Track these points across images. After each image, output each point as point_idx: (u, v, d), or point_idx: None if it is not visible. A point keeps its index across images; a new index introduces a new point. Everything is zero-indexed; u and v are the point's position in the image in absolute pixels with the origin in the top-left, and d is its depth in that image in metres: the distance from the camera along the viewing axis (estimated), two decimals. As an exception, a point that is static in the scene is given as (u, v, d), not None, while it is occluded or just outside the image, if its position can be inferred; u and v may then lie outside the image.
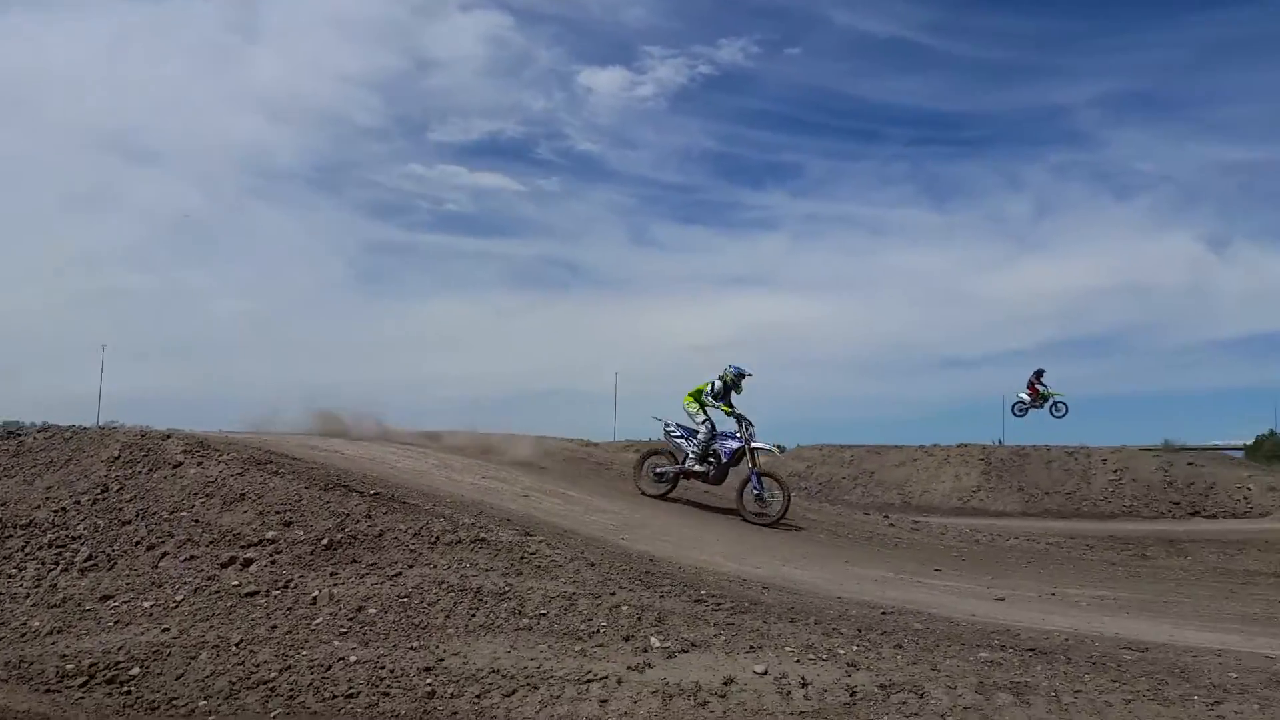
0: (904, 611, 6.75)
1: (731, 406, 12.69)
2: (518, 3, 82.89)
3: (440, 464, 11.88)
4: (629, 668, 4.88)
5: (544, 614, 5.60)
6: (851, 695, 4.63)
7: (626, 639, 5.32)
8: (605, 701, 4.49)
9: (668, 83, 73.17)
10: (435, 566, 6.29)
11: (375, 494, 7.62)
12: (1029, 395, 25.28)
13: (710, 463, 12.51)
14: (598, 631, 5.42)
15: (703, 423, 12.65)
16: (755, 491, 12.09)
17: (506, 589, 5.91)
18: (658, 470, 12.91)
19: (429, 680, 4.66)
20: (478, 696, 4.52)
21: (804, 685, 4.71)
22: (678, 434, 12.86)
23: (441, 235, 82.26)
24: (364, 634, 5.23)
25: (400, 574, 6.09)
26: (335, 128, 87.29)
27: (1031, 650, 5.59)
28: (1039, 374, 25.25)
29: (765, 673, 4.86)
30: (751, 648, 5.28)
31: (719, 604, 6.18)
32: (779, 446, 12.71)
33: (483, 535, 6.96)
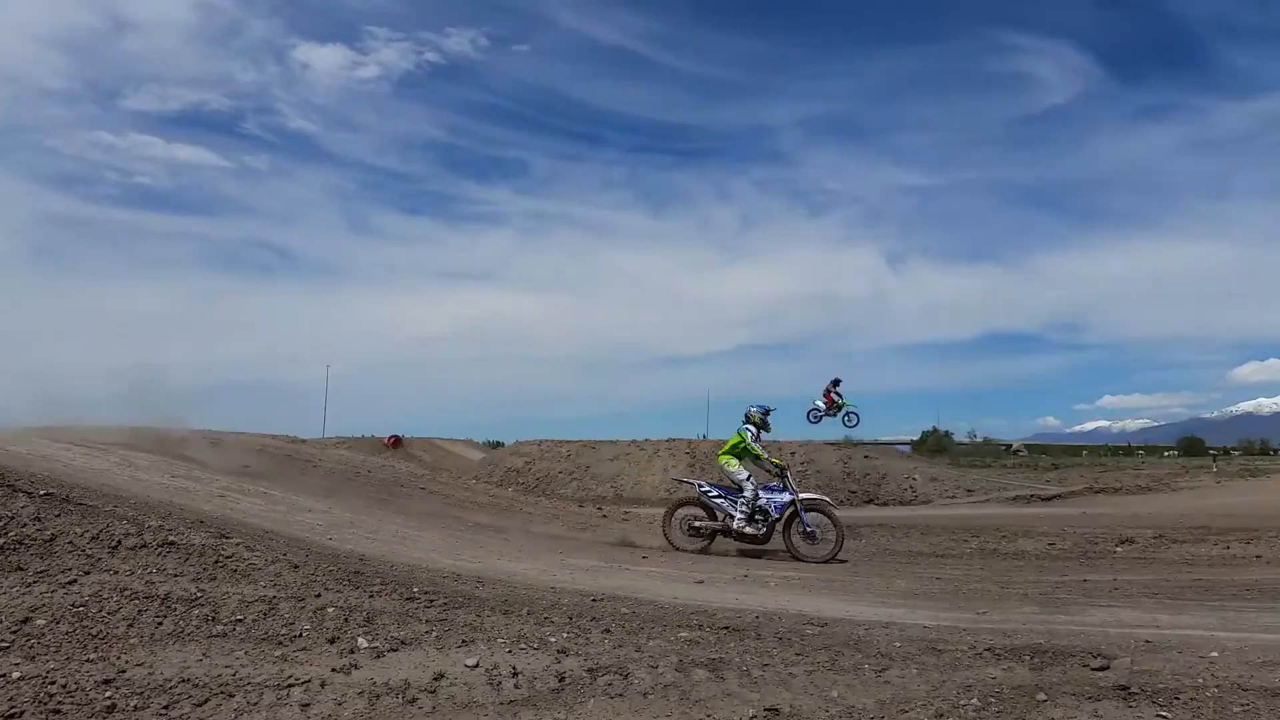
0: (614, 598, 6.99)
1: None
2: (226, -32, 77.30)
3: (123, 462, 10.92)
4: (334, 670, 4.71)
5: (241, 619, 5.29)
6: (560, 681, 4.74)
7: (332, 641, 5.14)
8: (307, 705, 4.32)
9: (392, 67, 71.27)
10: (116, 573, 5.75)
11: (46, 494, 6.85)
12: (825, 404, 26.64)
13: (758, 520, 11.75)
14: (300, 635, 5.19)
15: (747, 478, 11.87)
16: (803, 529, 11.49)
17: (199, 595, 5.52)
18: (694, 525, 11.93)
19: (108, 693, 4.26)
20: (165, 707, 4.19)
21: (515, 675, 4.76)
22: (715, 494, 12.01)
23: (131, 210, 75.27)
24: (30, 647, 4.69)
25: (75, 581, 5.52)
26: (12, 87, 77.21)
27: (726, 628, 5.98)
28: (836, 383, 26.62)
29: (477, 665, 4.87)
30: (464, 641, 5.28)
31: (432, 601, 6.11)
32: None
33: (172, 538, 6.45)
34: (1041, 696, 4.68)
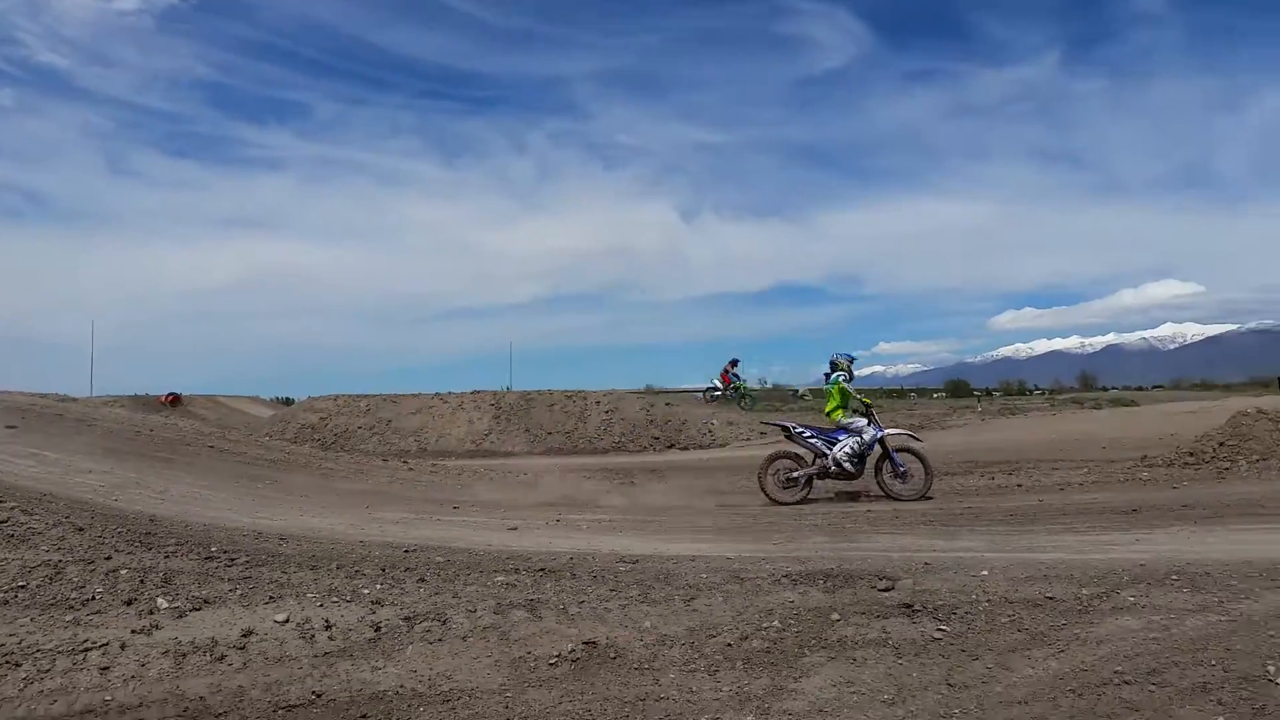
0: (426, 548, 6.95)
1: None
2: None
3: None
4: (134, 631, 4.49)
5: (24, 586, 4.93)
6: (376, 630, 4.71)
7: (129, 603, 4.88)
8: (107, 669, 4.10)
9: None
10: None
11: None
12: (722, 384, 26.60)
13: (856, 459, 11.78)
14: (93, 599, 4.90)
15: (867, 424, 11.84)
16: (895, 468, 11.61)
17: (-29, 563, 5.11)
18: (791, 476, 11.73)
19: None
20: (-59, 684, 3.89)
21: (328, 627, 4.70)
22: (810, 434, 11.96)
23: None
24: None
25: None
26: None
27: (542, 570, 6.09)
28: (734, 363, 26.65)
29: (287, 620, 4.76)
30: (271, 598, 5.14)
31: (233, 559, 5.89)
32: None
33: (-66, 506, 5.93)
34: (835, 616, 5.05)
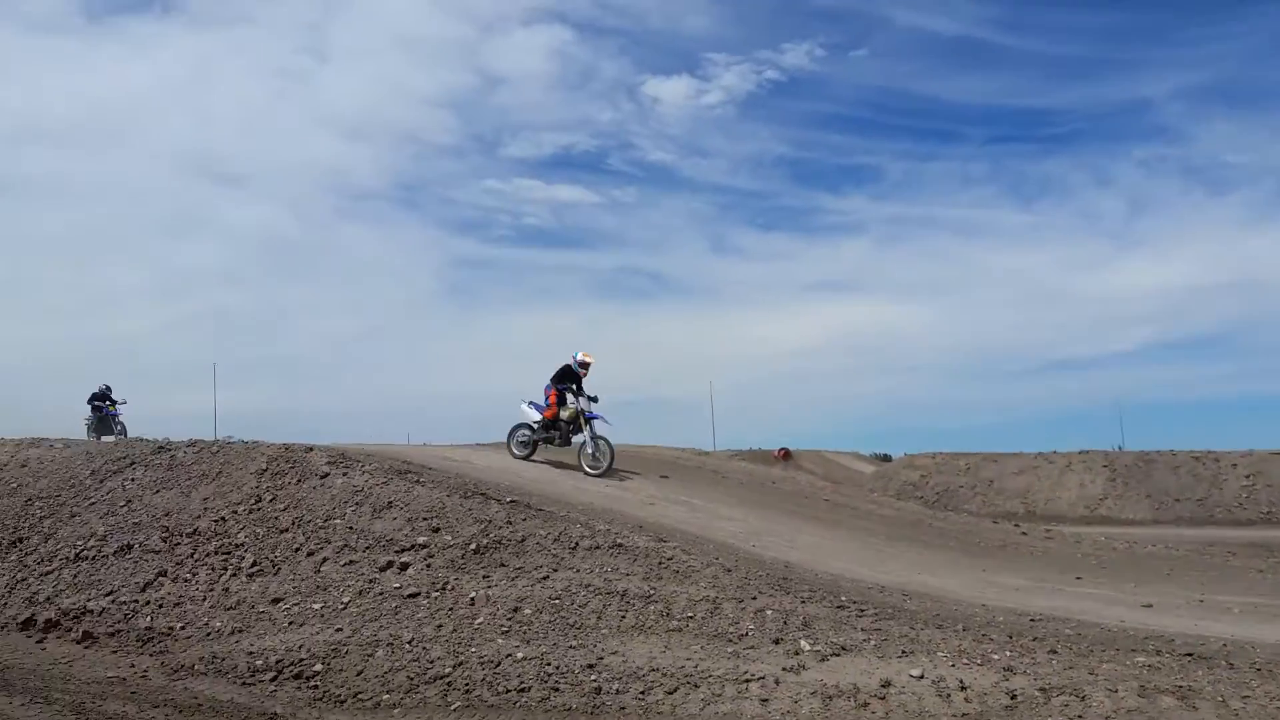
0: (1052, 619, 6.63)
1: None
2: (577, 16, 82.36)
3: (565, 473, 12.13)
4: (784, 669, 4.94)
5: (691, 616, 5.71)
6: (1012, 699, 4.60)
7: (776, 641, 5.38)
8: (766, 700, 4.57)
9: (735, 89, 72.18)
10: (579, 570, 6.47)
11: (512, 501, 7.86)
12: None
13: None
14: (746, 634, 5.49)
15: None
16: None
17: (651, 592, 6.04)
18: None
19: (594, 676, 4.81)
20: (642, 693, 4.64)
21: (963, 689, 4.70)
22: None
23: (523, 249, 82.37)
24: (524, 632, 5.42)
25: (548, 577, 6.29)
26: (413, 146, 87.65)
27: (1189, 655, 5.45)
28: None
29: (922, 676, 4.86)
30: (904, 652, 5.28)
31: (862, 610, 6.18)
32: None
33: (619, 541, 7.11)
34: None
